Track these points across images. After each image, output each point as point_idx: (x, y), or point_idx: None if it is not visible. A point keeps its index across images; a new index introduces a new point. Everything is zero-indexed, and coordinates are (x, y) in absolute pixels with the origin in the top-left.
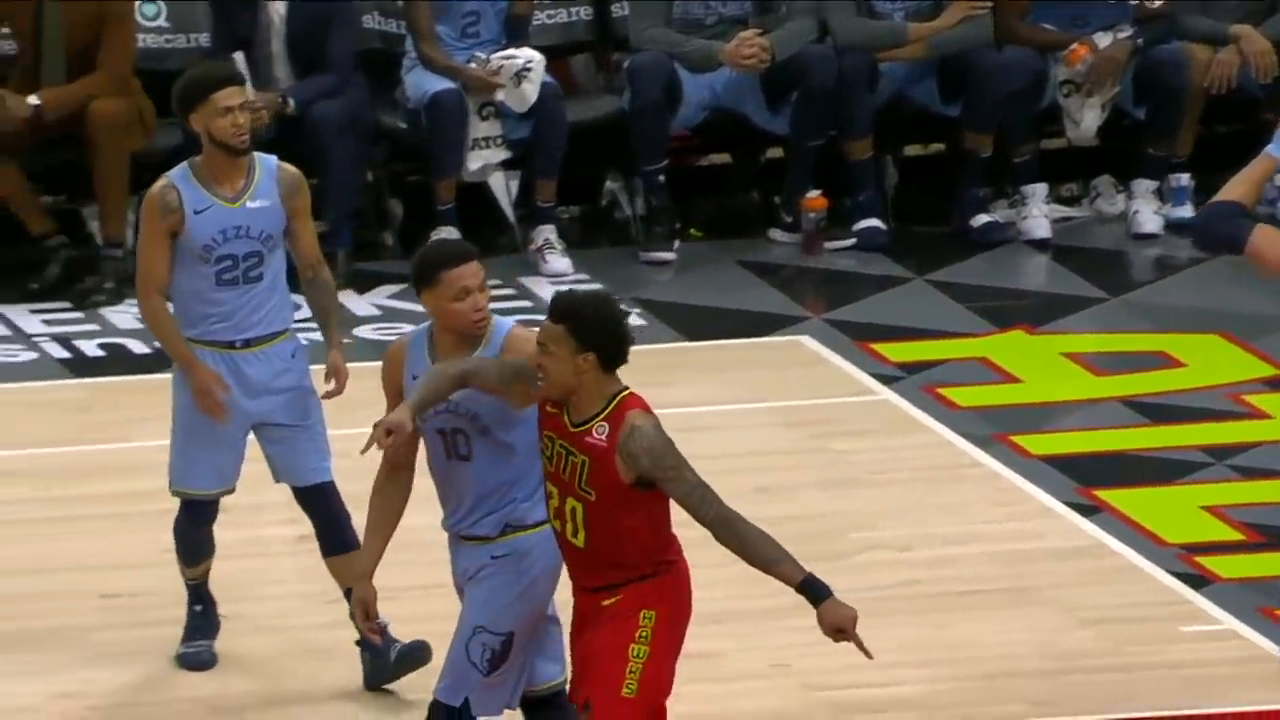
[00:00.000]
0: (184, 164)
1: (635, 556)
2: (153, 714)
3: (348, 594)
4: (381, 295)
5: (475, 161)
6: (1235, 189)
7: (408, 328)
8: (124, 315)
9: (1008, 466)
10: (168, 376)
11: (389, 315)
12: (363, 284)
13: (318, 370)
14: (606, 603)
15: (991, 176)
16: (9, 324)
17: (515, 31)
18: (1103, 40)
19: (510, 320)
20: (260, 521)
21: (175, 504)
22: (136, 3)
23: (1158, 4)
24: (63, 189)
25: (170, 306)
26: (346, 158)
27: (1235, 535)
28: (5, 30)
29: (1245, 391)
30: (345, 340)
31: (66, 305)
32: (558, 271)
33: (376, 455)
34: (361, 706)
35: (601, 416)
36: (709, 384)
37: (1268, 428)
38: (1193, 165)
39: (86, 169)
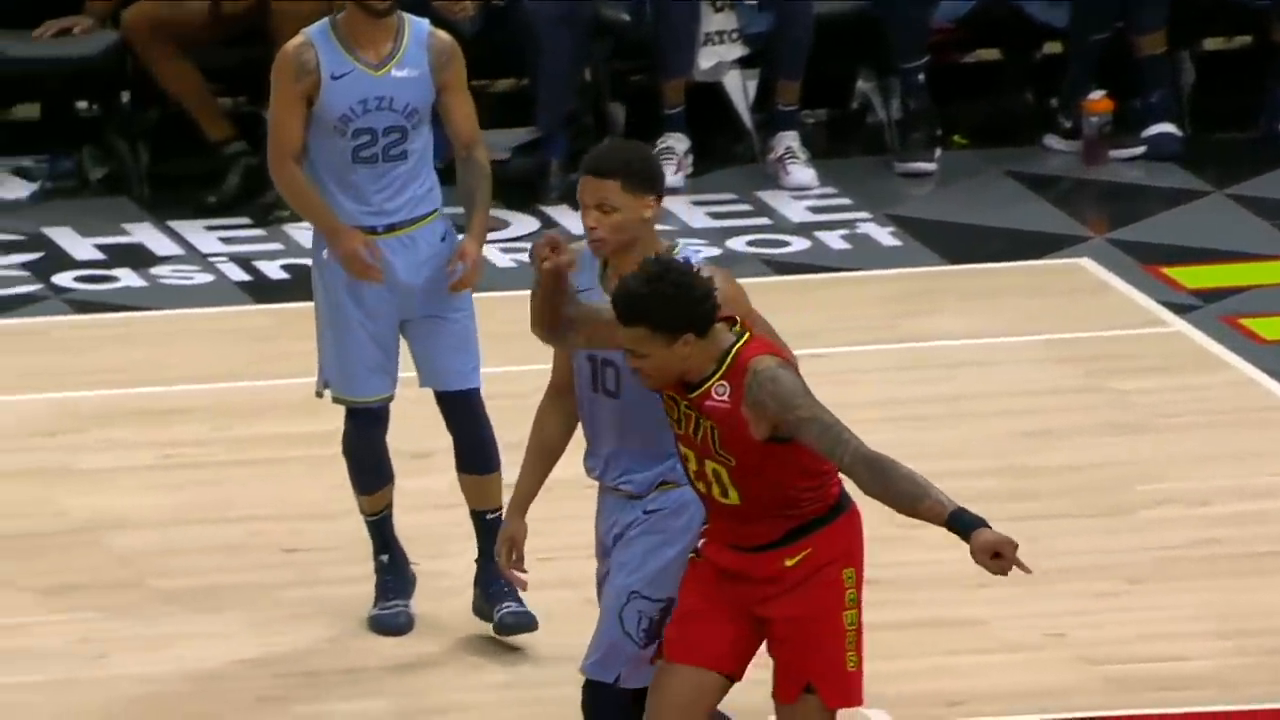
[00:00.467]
0: (324, 20)
1: (806, 496)
2: (340, 683)
3: (484, 523)
4: None
5: (708, 59)
6: None
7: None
8: (311, 233)
9: None
10: None
11: None
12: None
13: None
14: (790, 562)
15: None
16: (183, 242)
17: None
18: None
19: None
20: (451, 465)
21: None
22: None
23: None
24: (243, 90)
25: None
26: (562, 54)
27: None
28: None
29: None
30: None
31: (246, 221)
32: (800, 184)
33: (529, 403)
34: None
35: (719, 376)
36: (974, 314)
37: None
38: None
39: (269, 68)
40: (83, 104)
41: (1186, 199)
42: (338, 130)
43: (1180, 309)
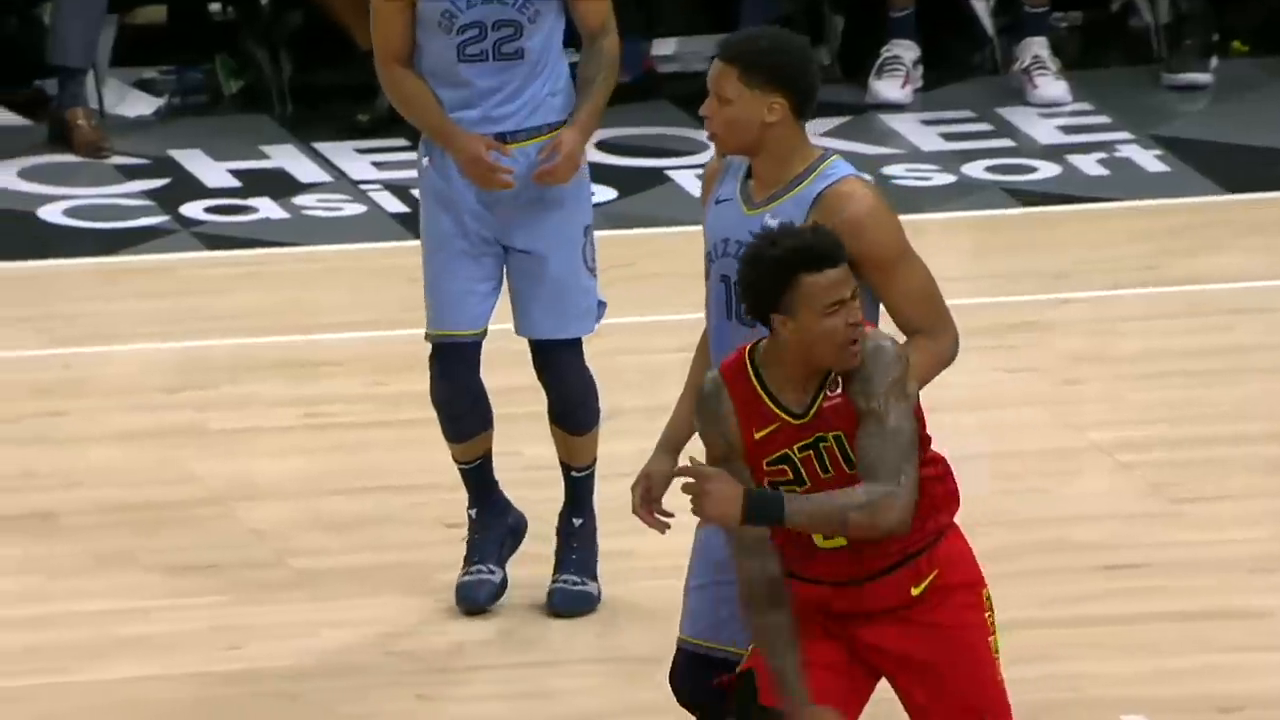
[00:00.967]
0: None
1: (922, 499)
2: (509, 679)
3: (570, 479)
4: (814, 131)
5: None
6: None
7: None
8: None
9: None
10: None
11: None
12: None
13: None
14: (917, 590)
15: None
16: (331, 168)
17: None
18: None
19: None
20: (640, 430)
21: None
22: None
23: None
24: None
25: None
26: None
27: None
28: None
29: None
30: None
31: (403, 144)
32: (1051, 99)
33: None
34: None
35: (829, 381)
36: (1256, 251)
37: None
38: None
39: None
40: (215, 6)
41: None
42: (442, 26)
43: None
